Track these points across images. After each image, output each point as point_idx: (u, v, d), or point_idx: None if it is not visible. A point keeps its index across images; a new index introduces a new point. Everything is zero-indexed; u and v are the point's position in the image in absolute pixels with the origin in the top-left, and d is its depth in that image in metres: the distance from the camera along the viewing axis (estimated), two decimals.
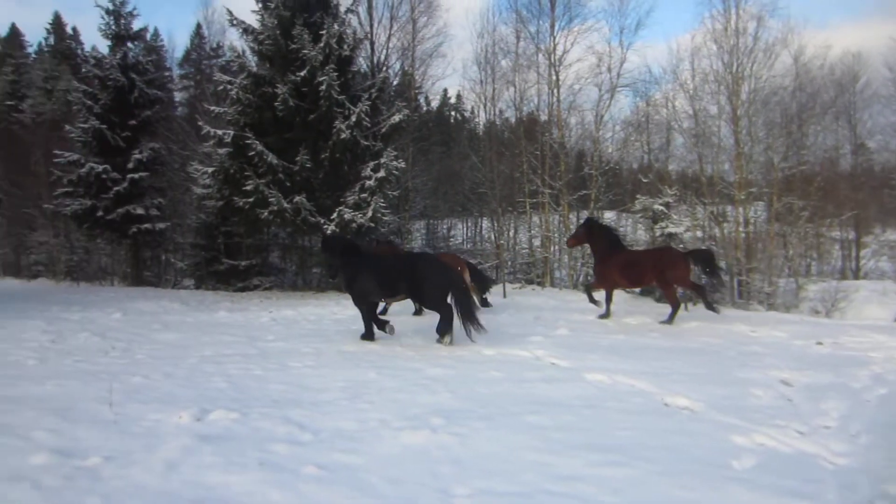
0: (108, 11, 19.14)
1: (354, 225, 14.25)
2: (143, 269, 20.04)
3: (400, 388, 5.37)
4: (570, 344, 7.53)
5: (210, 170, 15.21)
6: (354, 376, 5.85)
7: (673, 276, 9.74)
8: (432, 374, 5.92)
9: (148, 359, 6.74)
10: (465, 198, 21.67)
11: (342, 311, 11.32)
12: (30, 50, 49.97)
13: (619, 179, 20.80)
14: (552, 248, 17.72)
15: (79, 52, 46.45)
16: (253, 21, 16.02)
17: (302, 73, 14.93)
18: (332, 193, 15.28)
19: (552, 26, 17.89)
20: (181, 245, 19.44)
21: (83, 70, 20.10)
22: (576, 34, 18.26)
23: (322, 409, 4.72)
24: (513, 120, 21.57)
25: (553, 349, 7.11)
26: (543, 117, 19.24)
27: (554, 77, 17.76)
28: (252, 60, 15.99)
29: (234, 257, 17.03)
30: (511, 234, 19.30)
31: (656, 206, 13.51)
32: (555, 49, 17.78)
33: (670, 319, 9.59)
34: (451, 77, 43.12)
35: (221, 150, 15.24)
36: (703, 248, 12.57)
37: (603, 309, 10.36)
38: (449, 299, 7.71)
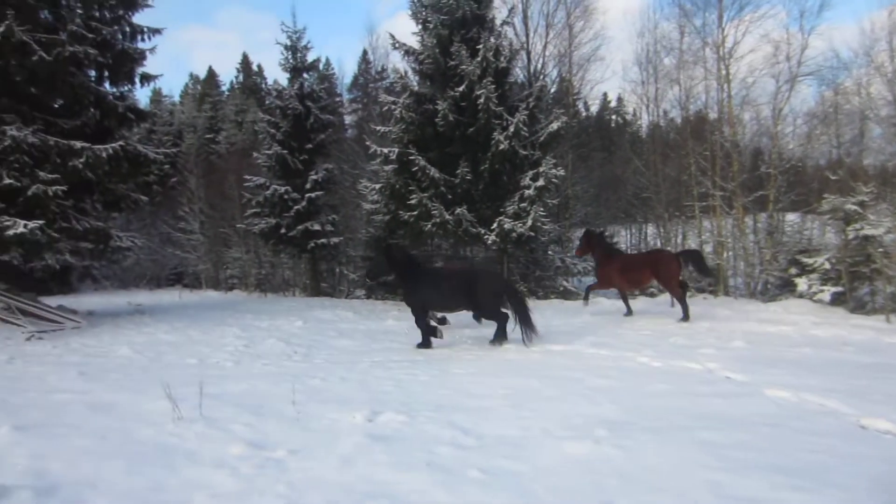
0: (286, 47, 21.08)
1: (514, 234, 14.37)
2: (320, 280, 21.69)
3: (562, 398, 5.34)
4: (748, 357, 7.01)
5: (377, 186, 16.16)
6: (516, 384, 5.90)
7: (665, 274, 11.11)
8: (595, 385, 5.81)
9: (325, 363, 7.30)
10: (629, 203, 20.96)
11: None
12: (223, 88, 56.24)
13: (803, 178, 18.98)
14: (725, 255, 16.59)
15: (262, 86, 51.53)
16: (413, 43, 16.83)
17: (461, 89, 15.40)
18: (492, 204, 15.54)
19: (720, 17, 16.83)
20: (353, 258, 20.80)
21: (266, 102, 22.24)
22: (747, 23, 16.98)
23: (485, 415, 4.82)
24: (678, 120, 20.55)
25: (727, 362, 6.66)
26: (713, 115, 18.11)
27: (724, 71, 16.67)
28: (413, 80, 16.78)
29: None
30: (678, 239, 18.35)
31: (849, 206, 12.16)
32: (724, 41, 16.70)
33: (685, 317, 10.67)
34: (610, 80, 42.13)
35: (387, 167, 16.13)
36: (692, 248, 14.17)
37: (588, 305, 12.34)
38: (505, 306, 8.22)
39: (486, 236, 14.66)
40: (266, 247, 21.56)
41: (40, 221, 11.75)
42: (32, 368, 7.27)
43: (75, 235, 13.53)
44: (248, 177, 20.73)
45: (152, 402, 5.18)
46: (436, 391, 5.70)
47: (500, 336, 8.44)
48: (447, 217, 14.64)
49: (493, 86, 15.13)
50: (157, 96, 49.29)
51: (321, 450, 4.04)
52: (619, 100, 50.07)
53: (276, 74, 51.33)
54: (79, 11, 13.96)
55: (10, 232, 11.40)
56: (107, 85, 15.35)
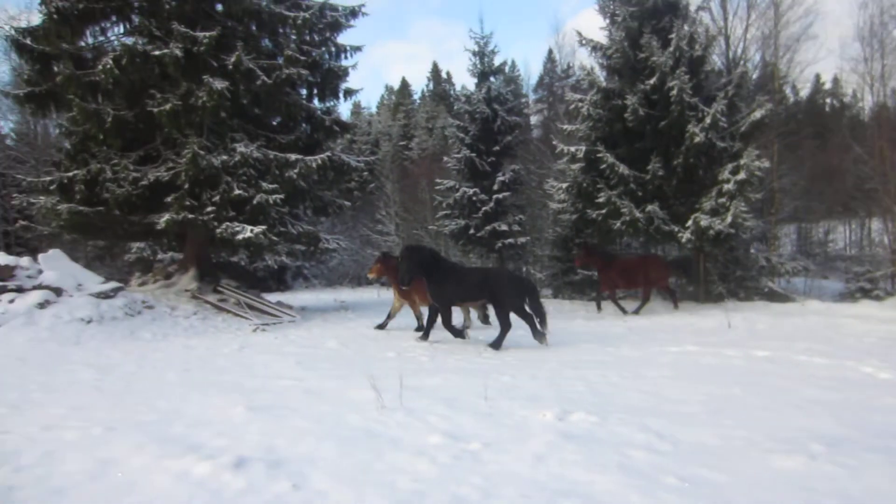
0: (474, 53, 21.72)
1: (712, 232, 13.48)
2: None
3: (767, 407, 4.93)
4: None
5: (564, 185, 16.07)
6: (715, 390, 5.56)
7: (655, 277, 13.68)
8: (809, 396, 5.28)
9: (515, 361, 7.44)
10: (848, 196, 18.67)
11: (700, 321, 10.81)
12: (415, 97, 59.33)
13: None
14: None
15: (451, 92, 53.45)
16: (601, 38, 16.50)
17: (651, 81, 14.79)
18: (687, 200, 14.72)
19: None
20: (540, 257, 20.87)
21: (455, 107, 23.10)
22: None
23: (681, 421, 4.60)
24: None
25: None
26: None
27: None
28: (601, 76, 16.44)
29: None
30: None
31: None
32: None
33: (638, 310, 13.36)
34: (824, 60, 37.76)
35: (574, 166, 15.97)
36: (683, 255, 15.88)
37: (596, 309, 14.07)
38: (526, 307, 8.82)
39: (679, 234, 13.93)
40: (456, 247, 22.40)
41: (263, 227, 13.32)
42: (259, 357, 8.29)
43: (291, 238, 15.14)
44: (438, 180, 21.71)
45: (358, 391, 5.65)
46: (627, 393, 5.56)
47: (539, 334, 8.79)
48: (637, 215, 14.14)
49: (688, 76, 14.33)
50: (356, 108, 53.37)
51: (513, 445, 4.14)
52: (836, 81, 44.71)
53: (464, 80, 53.21)
54: (293, 37, 15.60)
55: (240, 237, 13.07)
56: (315, 101, 16.99)
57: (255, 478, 3.56)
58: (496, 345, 8.63)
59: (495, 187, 20.13)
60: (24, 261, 11.74)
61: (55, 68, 14.13)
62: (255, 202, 13.62)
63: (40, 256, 12.18)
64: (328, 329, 11.44)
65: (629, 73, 15.60)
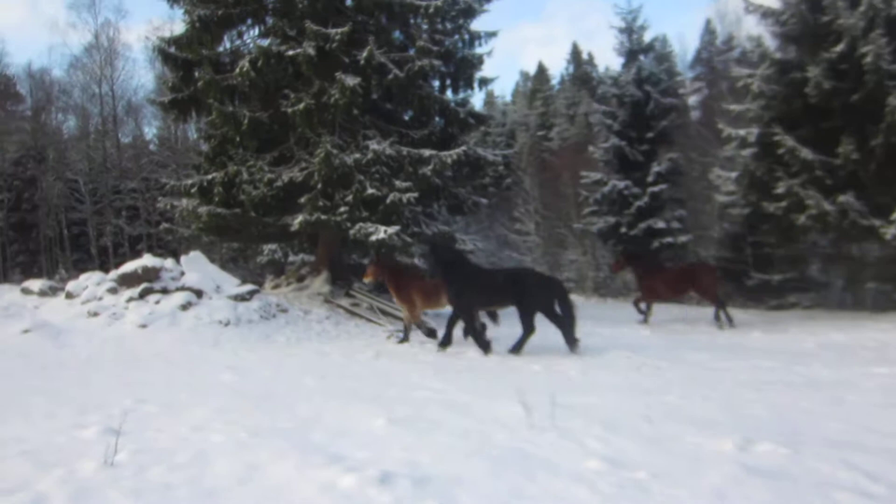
0: (620, 30, 21.16)
1: None
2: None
3: None
4: None
5: (733, 175, 15.19)
6: None
7: (706, 285, 13.48)
8: None
9: (681, 379, 7.08)
10: None
11: None
12: (553, 82, 58.72)
13: None
14: None
15: (594, 75, 52.40)
16: (772, 1, 15.40)
17: (838, 49, 13.62)
18: (890, 188, 13.37)
19: None
20: (703, 259, 19.86)
21: (599, 91, 22.59)
22: None
23: (893, 459, 4.14)
24: None
25: None
26: None
27: None
28: (773, 46, 15.37)
29: (765, 271, 16.47)
30: None
31: None
32: None
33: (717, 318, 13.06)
34: None
35: (745, 152, 15.04)
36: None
37: (641, 317, 13.82)
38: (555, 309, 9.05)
39: (882, 230, 12.66)
40: (604, 247, 21.88)
41: (397, 227, 13.74)
42: (396, 365, 8.53)
43: (425, 239, 15.50)
44: (583, 173, 21.32)
45: (504, 406, 5.62)
46: (824, 422, 5.08)
47: (572, 340, 9.12)
48: (827, 207, 13.04)
49: (885, 39, 13.02)
50: (489, 98, 53.74)
51: (687, 477, 3.90)
52: None
53: (608, 61, 52.02)
54: (424, 27, 15.97)
55: (373, 238, 13.56)
56: (449, 93, 17.28)
57: (401, 495, 3.62)
58: (516, 349, 8.98)
59: (650, 179, 19.43)
60: (169, 263, 12.95)
61: (196, 74, 15.48)
62: (388, 201, 14.09)
63: (182, 258, 13.37)
64: (461, 336, 11.58)
65: (809, 40, 14.44)
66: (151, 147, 45.50)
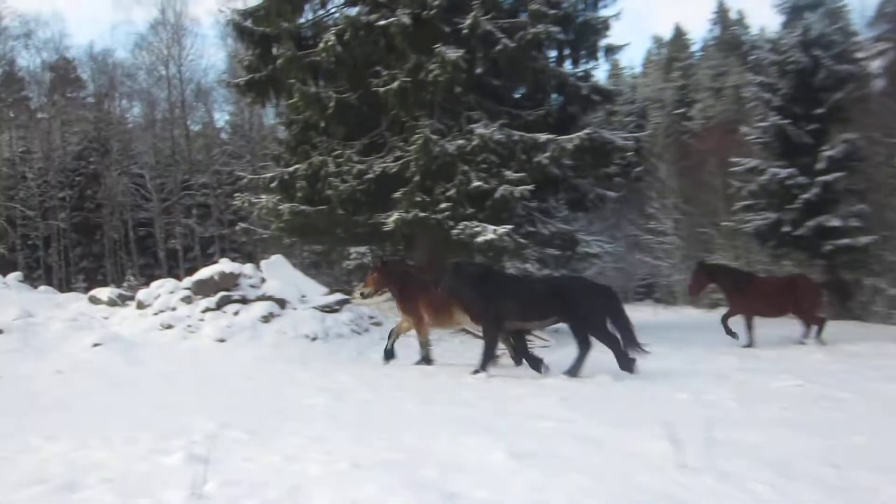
0: None
1: None
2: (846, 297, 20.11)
3: None
4: None
5: None
6: None
7: (809, 303, 13.39)
8: None
9: (868, 414, 6.78)
10: None
11: None
12: (694, 49, 57.14)
13: None
14: None
15: (746, 38, 50.65)
16: None
17: None
18: None
19: None
20: (892, 265, 18.80)
21: (754, 58, 21.86)
22: None
23: None
24: None
25: None
26: None
27: None
28: None
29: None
30: None
31: None
32: None
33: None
34: None
35: None
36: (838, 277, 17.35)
37: (744, 339, 13.07)
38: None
39: None
40: (761, 250, 21.13)
41: (509, 226, 13.80)
42: (512, 389, 8.60)
43: (541, 241, 15.50)
44: (734, 159, 20.66)
45: (645, 441, 5.56)
46: None
47: (626, 362, 9.30)
48: None
49: None
50: (616, 70, 52.96)
51: None
52: None
53: (764, 20, 50.13)
54: None
55: (481, 238, 13.68)
56: (568, 65, 17.22)
57: None
58: (573, 371, 9.18)
59: (820, 166, 18.60)
60: (248, 268, 13.56)
61: (274, 51, 16.11)
62: (497, 195, 14.16)
63: (262, 263, 13.98)
64: (594, 357, 11.46)
65: None
66: (223, 136, 47.66)
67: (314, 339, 11.88)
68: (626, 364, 9.33)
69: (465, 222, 14.08)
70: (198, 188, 42.61)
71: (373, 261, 13.02)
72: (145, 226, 43.46)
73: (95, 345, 11.97)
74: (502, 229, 13.68)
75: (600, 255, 17.60)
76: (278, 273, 13.50)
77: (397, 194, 14.71)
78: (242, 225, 20.42)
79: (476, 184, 14.23)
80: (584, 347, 9.31)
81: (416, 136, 14.35)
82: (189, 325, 12.87)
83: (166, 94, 45.39)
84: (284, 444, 5.74)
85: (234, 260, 17.56)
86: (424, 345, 11.79)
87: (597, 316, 9.42)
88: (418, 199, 14.49)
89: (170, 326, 12.99)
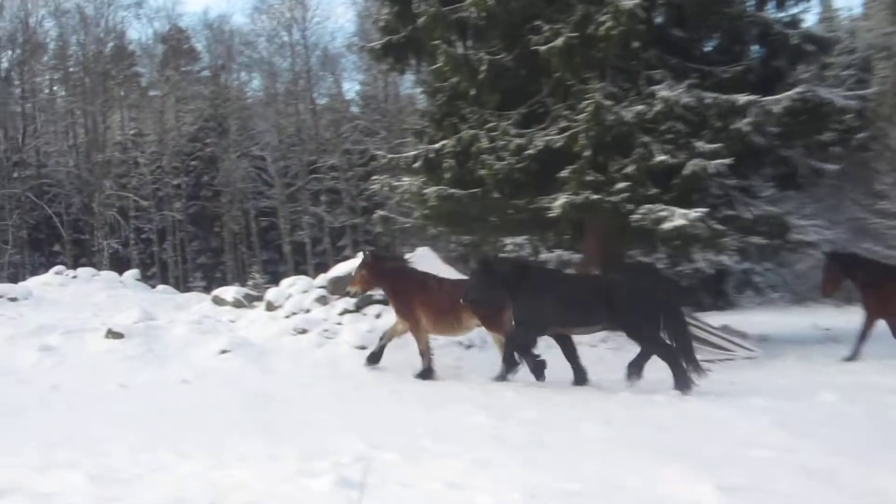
0: None
1: None
2: None
3: None
4: None
5: None
6: None
7: None
8: None
9: None
10: None
11: None
12: None
13: None
14: None
15: None
16: None
17: None
18: None
19: None
20: None
21: None
22: None
23: None
24: None
25: None
26: None
27: None
28: None
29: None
30: None
31: None
32: None
33: None
34: None
35: None
36: None
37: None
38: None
39: None
40: None
41: (703, 209, 13.47)
42: (714, 410, 8.43)
43: (743, 226, 15.05)
44: None
45: (890, 476, 5.36)
46: None
47: (684, 380, 9.41)
48: None
49: None
50: (829, 13, 50.45)
51: None
52: None
53: None
54: None
55: (668, 225, 13.42)
56: (770, 9, 16.58)
57: None
58: (683, 386, 9.37)
59: None
60: None
61: (415, 8, 16.31)
62: (686, 172, 13.81)
63: (408, 256, 14.20)
64: (814, 373, 11.14)
65: None
66: (354, 109, 48.86)
67: (469, 346, 11.97)
68: (684, 383, 9.42)
69: (647, 205, 13.81)
70: (326, 171, 43.93)
71: (362, 255, 13.01)
72: (268, 215, 45.25)
73: (223, 351, 12.60)
74: (694, 213, 13.33)
75: (817, 244, 16.87)
76: (426, 269, 13.72)
77: (563, 173, 14.59)
78: (380, 213, 20.83)
79: (660, 158, 13.94)
80: (672, 357, 9.52)
81: (586, 102, 14.19)
82: (325, 330, 13.26)
83: (289, 64, 47.16)
84: (445, 469, 5.89)
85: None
86: (424, 354, 11.79)
87: (649, 323, 9.61)
88: (589, 178, 14.34)
89: (304, 331, 13.41)
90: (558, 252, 24.84)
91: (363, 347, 12.56)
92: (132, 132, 47.32)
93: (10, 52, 47.02)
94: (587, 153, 14.40)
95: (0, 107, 45.84)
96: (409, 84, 38.77)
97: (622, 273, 13.29)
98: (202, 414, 9.01)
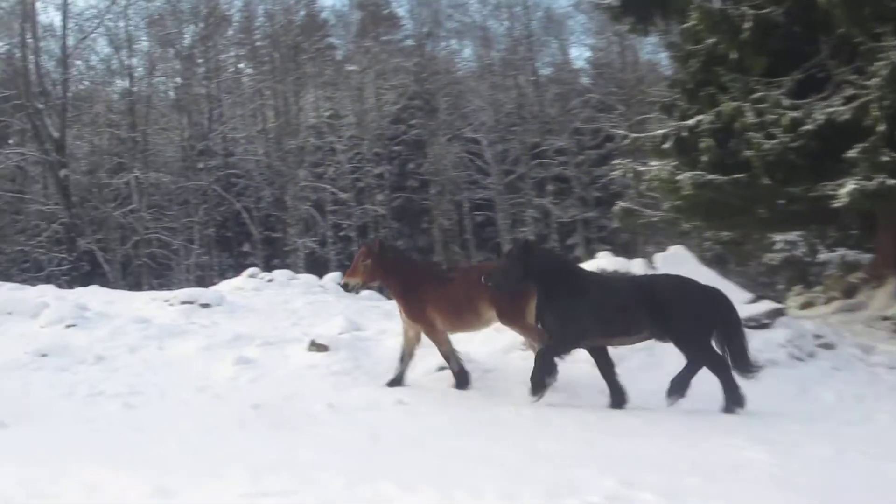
0: None
1: None
2: None
3: None
4: None
5: None
6: None
7: None
8: None
9: None
10: None
11: None
12: None
13: None
14: None
15: None
16: None
17: None
18: None
19: None
20: None
21: None
22: None
23: None
24: None
25: None
26: None
27: None
28: None
29: None
30: None
31: None
32: None
33: None
34: None
35: None
36: None
37: None
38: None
39: None
40: None
41: None
42: None
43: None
44: None
45: None
46: None
47: (736, 397, 9.73)
48: None
49: None
50: None
51: None
52: None
53: None
54: None
55: None
56: None
57: None
58: (734, 403, 9.73)
59: None
60: (637, 265, 13.74)
61: None
62: None
63: (657, 258, 14.09)
64: None
65: None
66: (584, 80, 48.58)
67: None
68: (735, 400, 9.73)
69: None
70: (552, 155, 43.62)
71: (367, 242, 13.17)
72: (484, 209, 45.57)
73: (441, 368, 12.78)
74: None
75: None
76: (679, 272, 13.53)
77: (851, 153, 14.09)
78: (620, 204, 20.74)
79: None
80: (724, 369, 9.83)
81: (878, 63, 13.70)
82: None
83: (506, 28, 47.59)
84: None
85: (607, 253, 17.22)
86: (450, 358, 11.92)
87: (701, 330, 9.89)
88: (884, 158, 13.79)
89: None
90: (841, 251, 23.84)
91: None
92: (327, 114, 48.64)
93: (192, 27, 49.39)
94: (881, 127, 13.85)
95: (183, 88, 48.73)
96: (651, 48, 38.35)
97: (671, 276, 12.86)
98: (421, 440, 9.17)
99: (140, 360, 14.00)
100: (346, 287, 13.32)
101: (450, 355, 12.04)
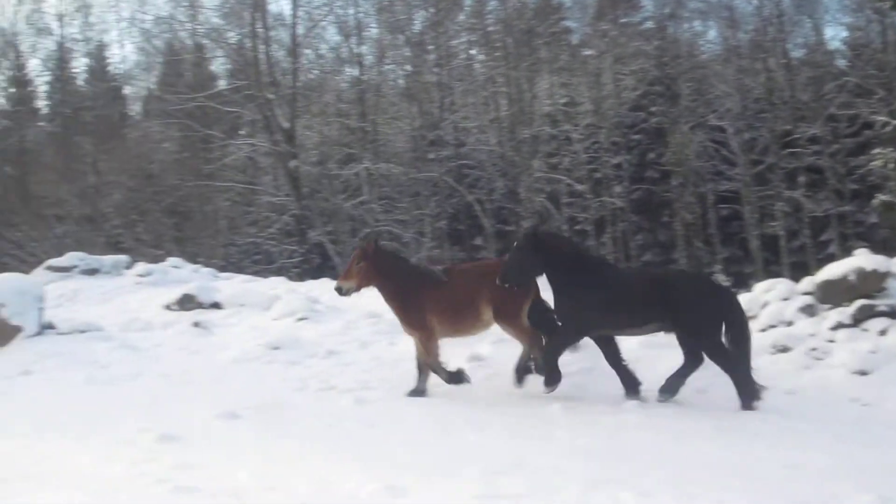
0: None
1: None
2: None
3: None
4: None
5: None
6: None
7: None
8: None
9: None
10: None
11: None
12: None
13: None
14: None
15: None
16: None
17: None
18: None
19: None
20: None
21: None
22: None
23: None
24: None
25: None
26: None
27: None
28: None
29: None
30: None
31: None
32: None
33: None
34: None
35: None
36: None
37: None
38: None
39: None
40: None
41: None
42: None
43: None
44: None
45: None
46: None
47: (751, 393, 10.45)
48: None
49: None
50: None
51: None
52: None
53: None
54: None
55: None
56: None
57: None
58: (749, 400, 10.54)
59: None
60: None
61: None
62: None
63: None
64: None
65: None
66: (840, 63, 49.27)
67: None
68: (750, 394, 10.46)
69: None
70: (805, 144, 44.15)
71: (361, 245, 13.40)
72: (729, 202, 46.64)
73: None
74: None
75: None
76: None
77: None
78: (881, 197, 21.19)
79: None
80: (693, 361, 10.68)
81: None
82: (813, 349, 13.68)
83: (755, 7, 48.52)
84: None
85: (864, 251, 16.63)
86: (432, 370, 12.64)
87: (712, 326, 10.63)
88: None
89: (784, 349, 13.94)
90: None
91: (864, 373, 12.91)
92: (563, 101, 50.81)
93: (423, 13, 52.47)
94: None
95: (413, 76, 51.65)
96: None
97: (681, 271, 13.02)
98: (663, 446, 9.70)
99: (371, 356, 15.34)
100: (339, 291, 13.36)
101: (435, 368, 12.77)
